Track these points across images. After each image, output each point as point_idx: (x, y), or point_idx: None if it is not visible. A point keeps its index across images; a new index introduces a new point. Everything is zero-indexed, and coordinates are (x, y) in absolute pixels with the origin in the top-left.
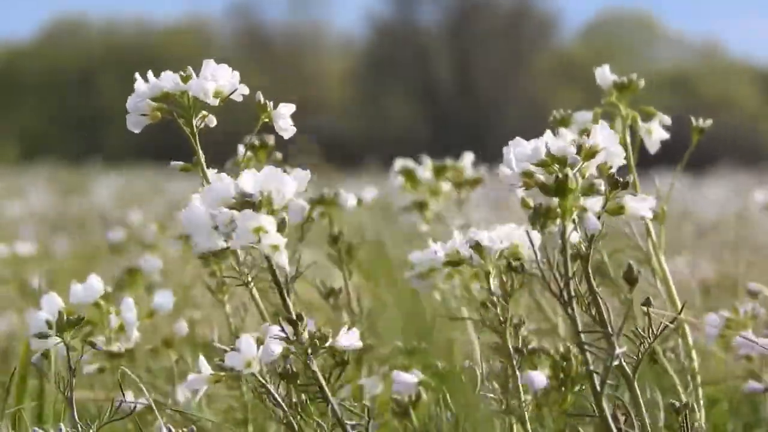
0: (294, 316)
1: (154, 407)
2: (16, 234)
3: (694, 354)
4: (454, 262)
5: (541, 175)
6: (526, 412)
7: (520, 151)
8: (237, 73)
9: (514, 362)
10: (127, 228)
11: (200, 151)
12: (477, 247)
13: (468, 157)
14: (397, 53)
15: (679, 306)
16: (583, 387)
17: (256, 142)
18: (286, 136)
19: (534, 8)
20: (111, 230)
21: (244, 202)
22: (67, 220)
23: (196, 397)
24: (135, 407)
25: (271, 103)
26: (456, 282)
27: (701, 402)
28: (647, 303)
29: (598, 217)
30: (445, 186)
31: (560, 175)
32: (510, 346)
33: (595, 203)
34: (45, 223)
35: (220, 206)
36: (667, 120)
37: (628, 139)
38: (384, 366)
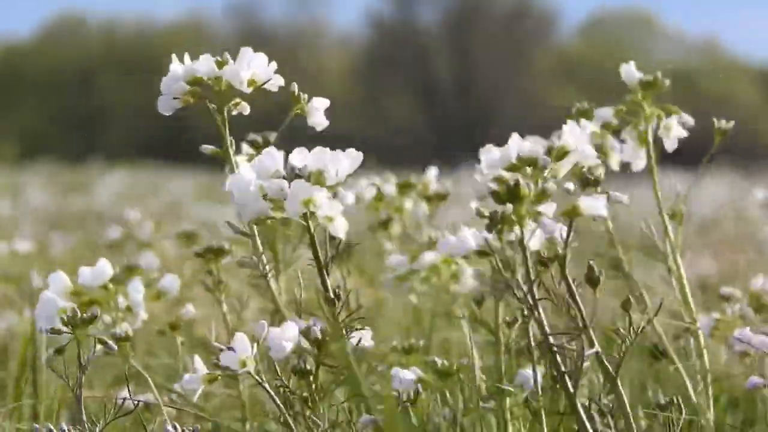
0: (333, 295)
1: (162, 404)
2: (15, 232)
3: (705, 353)
4: (486, 253)
5: (493, 185)
6: (520, 411)
7: (490, 157)
8: (274, 64)
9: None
10: (126, 226)
11: (229, 138)
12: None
13: (432, 172)
14: (396, 52)
15: (692, 306)
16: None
17: (259, 139)
18: (320, 129)
19: (533, 6)
20: (110, 228)
21: (295, 175)
22: (66, 218)
23: (195, 395)
24: (138, 404)
25: (305, 96)
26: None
27: (711, 401)
28: (626, 304)
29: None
30: (408, 203)
31: (511, 183)
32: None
33: (548, 208)
34: (44, 221)
35: (269, 178)
36: (690, 119)
37: (650, 138)
38: (382, 364)
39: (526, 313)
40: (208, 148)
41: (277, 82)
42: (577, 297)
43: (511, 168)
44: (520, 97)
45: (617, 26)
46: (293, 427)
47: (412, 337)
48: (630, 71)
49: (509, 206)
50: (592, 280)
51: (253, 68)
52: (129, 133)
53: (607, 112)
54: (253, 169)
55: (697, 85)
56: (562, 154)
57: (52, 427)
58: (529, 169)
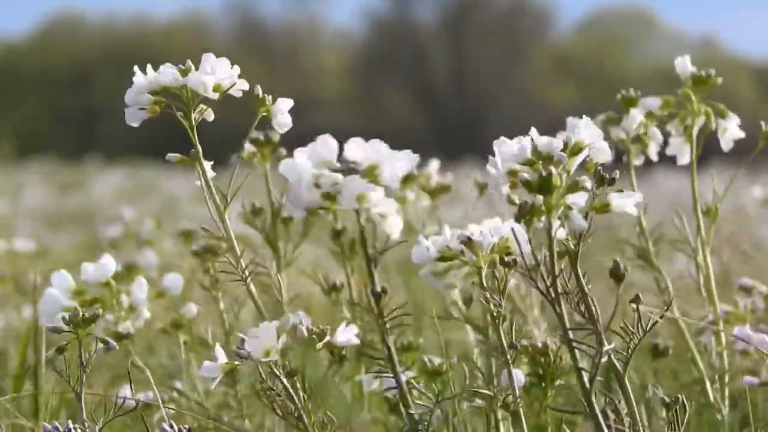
0: (379, 289)
1: (161, 403)
2: (13, 230)
3: (724, 352)
4: (447, 257)
5: (526, 174)
6: (507, 409)
7: (505, 150)
8: (237, 68)
9: (502, 358)
10: (124, 224)
11: (198, 145)
12: (468, 243)
13: (434, 164)
14: (394, 49)
15: (717, 302)
16: (563, 382)
17: (261, 138)
18: (283, 131)
19: (531, 4)
20: (109, 227)
21: (350, 168)
22: (64, 216)
23: (212, 384)
24: (137, 402)
25: (270, 97)
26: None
27: (726, 400)
28: (637, 299)
29: (586, 215)
30: (410, 195)
31: (544, 173)
32: (494, 343)
33: (579, 199)
34: (42, 219)
35: (322, 167)
36: (737, 120)
37: (695, 134)
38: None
39: (548, 305)
40: (174, 156)
41: (241, 87)
42: (588, 293)
43: (527, 163)
44: (517, 94)
45: (615, 24)
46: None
47: (411, 335)
48: (684, 64)
49: (539, 197)
50: (617, 276)
51: (217, 73)
52: (127, 131)
53: (653, 102)
54: (307, 157)
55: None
56: (577, 149)
57: (58, 425)
58: (542, 164)
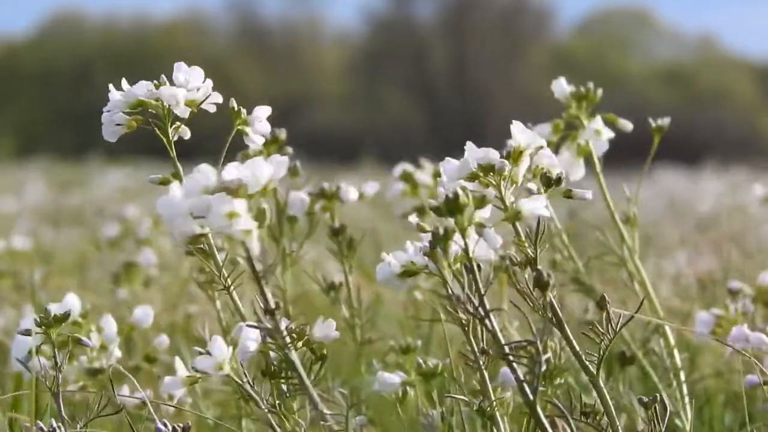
0: (272, 307)
1: (148, 402)
2: (12, 228)
3: (676, 352)
4: (412, 272)
5: (433, 201)
6: (498, 410)
7: (449, 168)
8: (210, 81)
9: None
10: (124, 223)
11: (177, 163)
12: (432, 253)
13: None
14: (394, 48)
15: (658, 307)
16: (562, 382)
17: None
18: (259, 142)
19: (530, 2)
20: (108, 225)
21: (221, 188)
22: (64, 214)
23: (175, 399)
24: (123, 402)
25: (244, 110)
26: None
27: (686, 399)
28: (603, 302)
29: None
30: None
31: (450, 195)
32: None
33: (486, 212)
34: (42, 217)
35: (200, 195)
36: (629, 125)
37: (593, 148)
38: (383, 360)
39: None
40: (155, 178)
41: (214, 100)
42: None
43: (472, 177)
44: (516, 92)
45: (614, 23)
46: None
47: (410, 335)
48: (561, 86)
49: (450, 220)
50: (540, 284)
51: (190, 84)
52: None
53: (544, 129)
54: (188, 188)
55: (694, 81)
56: (518, 154)
57: (41, 424)
58: (490, 176)
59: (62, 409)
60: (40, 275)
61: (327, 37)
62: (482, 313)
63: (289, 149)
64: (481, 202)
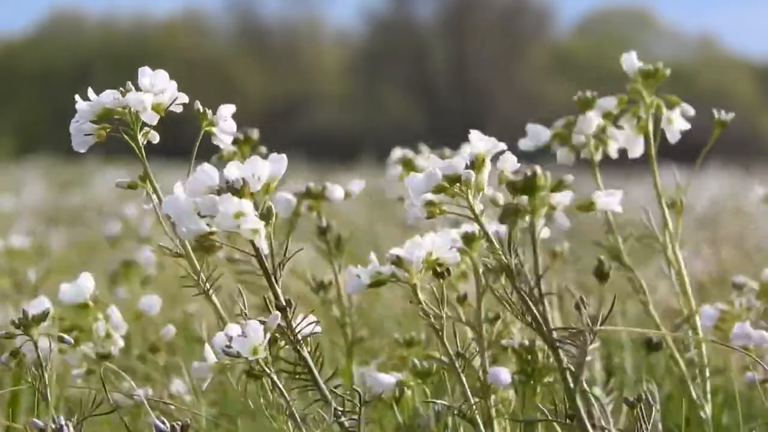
0: (283, 303)
1: (145, 401)
2: (11, 228)
3: (703, 346)
4: (379, 282)
5: (510, 175)
6: (494, 409)
7: (414, 183)
8: (174, 83)
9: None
10: (123, 221)
11: (147, 165)
12: (398, 261)
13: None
14: (393, 47)
15: (691, 298)
16: (551, 380)
17: (240, 136)
18: (227, 141)
19: (530, 2)
20: (107, 224)
21: (225, 188)
22: (63, 213)
23: (204, 384)
24: (117, 401)
25: (210, 111)
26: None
27: (708, 395)
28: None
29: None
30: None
31: (528, 173)
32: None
33: (565, 197)
34: (41, 216)
35: (204, 194)
36: (691, 110)
37: (651, 128)
38: (375, 358)
39: (531, 307)
40: (123, 183)
41: (181, 100)
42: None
43: (439, 189)
44: (516, 92)
45: (613, 22)
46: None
47: (407, 331)
48: (631, 60)
49: (524, 197)
50: (601, 275)
51: (156, 88)
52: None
53: (608, 102)
54: (191, 187)
55: (694, 81)
56: (480, 162)
57: (38, 421)
58: (456, 187)
59: (51, 405)
60: (38, 274)
61: (327, 37)
62: (536, 295)
63: (263, 149)
64: (558, 186)
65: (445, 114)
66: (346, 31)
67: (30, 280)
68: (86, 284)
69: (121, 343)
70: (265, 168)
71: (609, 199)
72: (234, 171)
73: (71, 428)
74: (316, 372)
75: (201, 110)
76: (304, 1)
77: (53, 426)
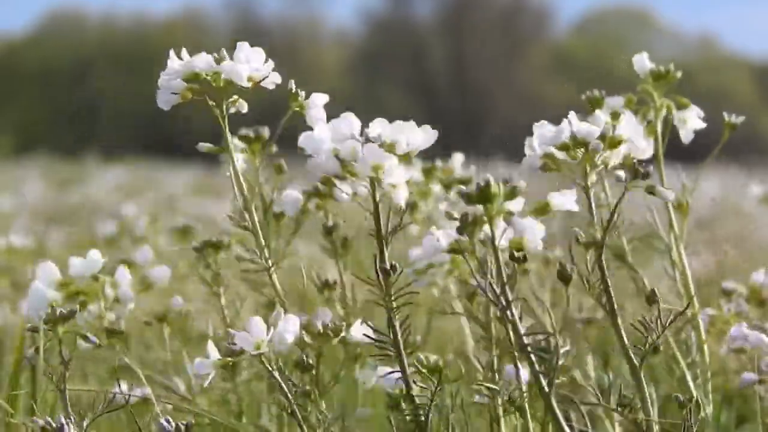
0: (388, 266)
1: (153, 398)
2: (10, 226)
3: (705, 348)
4: (457, 249)
5: (463, 188)
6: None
7: (542, 133)
8: (271, 61)
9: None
10: (121, 221)
11: (228, 134)
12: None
13: (458, 158)
14: (392, 47)
15: (695, 299)
16: (568, 378)
17: (251, 134)
18: (318, 126)
19: (529, 2)
20: (105, 223)
21: (369, 141)
22: (62, 212)
23: (206, 381)
24: (129, 398)
25: (303, 93)
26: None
27: (710, 396)
28: (653, 296)
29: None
30: (435, 187)
31: (482, 183)
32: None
33: (517, 205)
34: (40, 215)
35: (347, 140)
36: (700, 112)
37: (659, 129)
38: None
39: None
40: (204, 146)
41: (274, 79)
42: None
43: (563, 147)
44: (516, 92)
45: (613, 22)
46: (298, 419)
47: (408, 332)
48: (642, 61)
49: (479, 207)
50: (563, 278)
51: (252, 64)
52: (125, 127)
53: (617, 101)
54: (328, 131)
55: (694, 81)
56: (615, 143)
57: (50, 421)
58: (579, 152)
59: (69, 405)
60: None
61: (326, 36)
62: (504, 303)
63: (274, 147)
64: (511, 194)
65: (445, 114)
66: (346, 30)
67: (28, 279)
68: (97, 258)
69: (132, 305)
70: (418, 135)
71: (563, 199)
72: (381, 129)
73: (71, 428)
74: (401, 342)
75: (293, 90)
76: (303, 0)
77: (55, 426)
